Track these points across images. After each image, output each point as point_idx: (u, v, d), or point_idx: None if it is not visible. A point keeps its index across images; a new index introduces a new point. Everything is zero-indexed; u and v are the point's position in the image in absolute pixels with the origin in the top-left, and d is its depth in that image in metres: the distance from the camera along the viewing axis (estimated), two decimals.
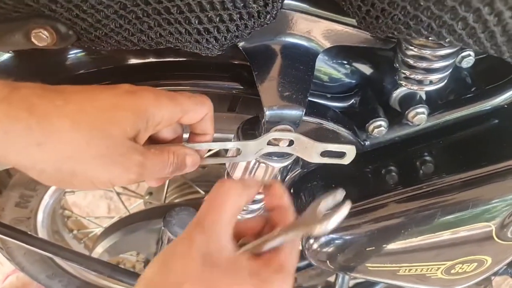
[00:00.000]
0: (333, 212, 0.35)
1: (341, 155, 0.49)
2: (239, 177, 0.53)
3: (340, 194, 0.38)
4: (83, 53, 0.57)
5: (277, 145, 0.48)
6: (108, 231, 0.80)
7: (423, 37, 0.39)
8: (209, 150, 0.67)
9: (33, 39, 0.43)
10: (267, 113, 0.48)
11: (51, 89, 0.35)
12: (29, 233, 0.72)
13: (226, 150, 0.51)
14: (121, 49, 0.55)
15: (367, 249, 0.56)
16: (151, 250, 0.81)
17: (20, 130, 0.32)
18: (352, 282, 0.87)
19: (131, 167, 0.36)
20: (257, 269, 0.34)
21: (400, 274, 0.58)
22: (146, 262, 0.88)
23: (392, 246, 0.55)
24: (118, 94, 0.37)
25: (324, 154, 0.49)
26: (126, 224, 0.79)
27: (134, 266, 1.06)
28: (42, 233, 0.84)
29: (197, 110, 0.41)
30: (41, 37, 0.43)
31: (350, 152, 0.49)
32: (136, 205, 1.08)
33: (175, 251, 0.34)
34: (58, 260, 0.93)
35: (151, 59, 0.58)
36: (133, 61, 0.58)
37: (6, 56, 0.52)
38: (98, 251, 0.80)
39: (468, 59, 0.53)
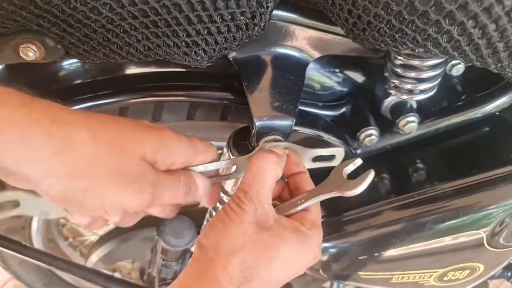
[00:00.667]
0: (362, 177, 0.41)
1: (331, 158, 0.50)
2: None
3: (358, 161, 0.43)
4: (77, 64, 0.57)
5: None
6: (103, 240, 0.80)
7: (409, 49, 0.39)
8: None
9: (21, 54, 0.43)
10: (257, 124, 0.48)
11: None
12: (23, 243, 0.72)
13: None
14: (105, 62, 0.56)
15: (360, 257, 0.56)
16: (146, 258, 0.81)
17: (39, 136, 0.31)
18: None
19: (145, 187, 0.36)
20: (297, 227, 0.40)
21: (393, 282, 0.58)
22: (142, 270, 0.88)
23: (384, 254, 0.55)
24: (140, 123, 0.38)
25: (315, 159, 0.49)
26: (121, 232, 0.79)
27: (130, 273, 1.06)
28: (37, 242, 0.84)
29: (208, 153, 0.43)
30: (29, 52, 0.43)
31: (339, 155, 0.49)
32: None
33: (232, 220, 0.39)
34: (53, 268, 0.93)
35: (144, 70, 0.59)
36: (126, 71, 0.59)
37: None
38: (93, 260, 0.80)
39: (458, 67, 0.54)
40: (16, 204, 0.43)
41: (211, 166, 0.44)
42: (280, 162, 0.43)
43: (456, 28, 0.35)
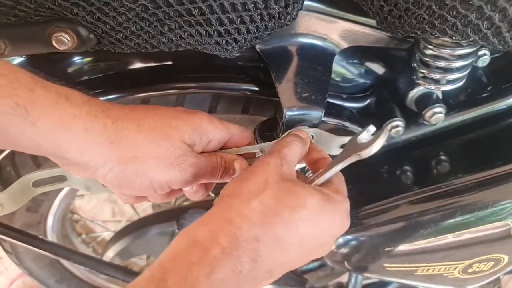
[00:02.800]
0: (376, 135, 0.40)
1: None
2: None
3: (372, 128, 0.42)
4: (88, 59, 0.57)
5: None
6: (119, 235, 0.79)
7: (447, 36, 0.39)
8: None
9: (54, 43, 0.43)
10: (287, 114, 0.48)
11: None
12: (41, 237, 0.72)
13: None
14: (129, 54, 0.56)
15: (386, 249, 0.56)
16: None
17: (98, 128, 0.36)
18: (363, 282, 0.86)
19: (186, 168, 0.40)
20: (320, 188, 0.39)
21: (418, 274, 0.58)
22: None
23: (411, 246, 0.55)
24: (176, 110, 0.42)
25: (343, 146, 0.49)
26: (138, 227, 0.78)
27: (141, 270, 1.06)
28: (51, 238, 0.84)
29: (242, 136, 0.45)
30: (62, 41, 0.42)
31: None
32: (144, 208, 1.08)
33: (255, 170, 0.38)
34: (67, 264, 0.93)
35: (163, 62, 0.58)
36: (143, 64, 0.58)
37: None
38: (109, 255, 0.80)
39: (484, 58, 0.53)
40: (62, 179, 0.45)
41: (236, 150, 0.45)
42: (305, 142, 0.44)
43: (497, 14, 0.35)
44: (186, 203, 0.90)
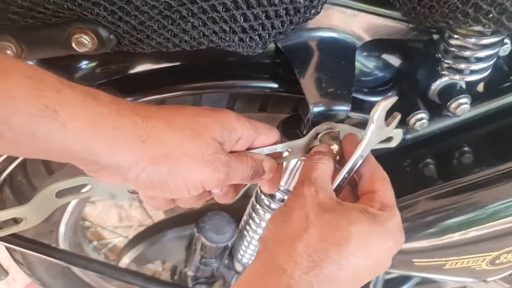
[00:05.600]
0: (388, 120, 0.41)
1: (389, 140, 0.49)
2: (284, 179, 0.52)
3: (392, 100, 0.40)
4: (98, 62, 0.55)
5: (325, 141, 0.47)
6: (134, 241, 0.78)
7: (480, 25, 0.38)
8: None
9: (73, 45, 0.41)
10: (314, 110, 0.47)
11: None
12: (54, 246, 0.70)
13: None
14: (142, 55, 0.54)
15: (415, 245, 0.55)
16: (180, 258, 0.79)
17: (127, 126, 0.34)
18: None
19: (219, 166, 0.38)
20: (363, 208, 0.38)
21: (446, 268, 0.57)
22: (173, 270, 0.86)
23: (441, 240, 0.54)
24: (203, 109, 0.41)
25: None
26: (153, 232, 0.77)
27: (155, 275, 1.04)
28: (64, 246, 0.82)
29: (269, 134, 0.44)
30: (82, 42, 0.41)
31: (397, 136, 0.48)
32: (153, 214, 1.06)
33: (292, 207, 0.38)
34: (78, 272, 0.91)
35: (178, 62, 0.57)
36: (157, 65, 0.57)
37: None
38: (126, 261, 0.78)
39: (505, 48, 0.53)
40: (86, 187, 0.44)
41: (267, 150, 0.44)
42: (329, 156, 0.43)
43: None
44: (199, 206, 0.88)
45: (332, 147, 0.44)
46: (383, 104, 0.40)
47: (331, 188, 0.40)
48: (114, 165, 0.35)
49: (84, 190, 0.45)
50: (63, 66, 0.53)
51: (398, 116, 0.43)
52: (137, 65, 0.56)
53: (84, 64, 0.55)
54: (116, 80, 0.56)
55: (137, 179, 0.36)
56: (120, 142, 0.34)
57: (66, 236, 0.80)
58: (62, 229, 0.79)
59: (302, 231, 0.36)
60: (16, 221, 0.48)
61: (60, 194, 0.43)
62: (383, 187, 0.41)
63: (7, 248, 0.77)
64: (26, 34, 0.41)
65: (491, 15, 0.37)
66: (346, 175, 0.42)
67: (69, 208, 0.75)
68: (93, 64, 0.55)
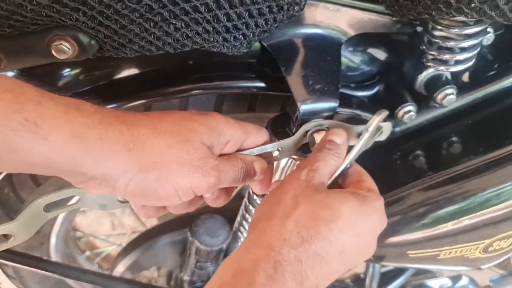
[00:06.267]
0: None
1: (378, 133, 0.49)
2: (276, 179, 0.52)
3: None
4: (81, 69, 0.54)
5: (314, 140, 0.47)
6: (128, 249, 0.77)
7: (463, 15, 0.39)
8: None
9: (53, 52, 0.40)
10: (302, 107, 0.47)
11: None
12: (46, 258, 0.69)
13: None
14: (125, 60, 0.53)
15: (409, 237, 0.55)
16: (175, 263, 0.78)
17: (113, 135, 0.34)
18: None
19: (209, 171, 0.38)
20: (354, 191, 0.39)
21: (441, 258, 0.57)
22: (169, 276, 0.85)
23: (434, 231, 0.54)
24: (190, 113, 0.40)
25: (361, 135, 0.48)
26: (147, 239, 0.76)
27: (150, 281, 1.03)
28: (56, 258, 0.81)
29: (259, 134, 0.44)
30: (63, 50, 0.40)
31: (386, 129, 0.49)
32: (146, 220, 1.05)
33: (285, 188, 0.39)
34: (72, 283, 0.90)
35: (162, 66, 0.56)
36: (141, 69, 0.56)
37: None
38: (120, 270, 0.77)
39: (489, 36, 0.53)
40: (74, 199, 0.43)
41: (256, 151, 0.44)
42: (342, 151, 0.42)
43: None
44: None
45: None
46: (378, 118, 0.43)
47: (326, 180, 0.40)
48: (101, 176, 0.34)
49: (72, 202, 0.44)
50: (44, 74, 0.52)
51: (381, 129, 0.47)
52: (121, 70, 0.55)
53: (66, 71, 0.53)
54: (101, 86, 0.55)
55: (126, 189, 0.36)
56: (106, 152, 0.34)
57: (58, 247, 0.79)
58: (53, 240, 0.77)
59: (292, 209, 0.36)
60: (6, 236, 0.47)
61: (48, 207, 0.42)
62: (368, 178, 0.42)
63: None
64: (4, 43, 0.40)
65: (473, 4, 0.37)
66: (335, 178, 0.42)
67: (59, 219, 0.74)
68: (76, 71, 0.54)
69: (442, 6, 0.38)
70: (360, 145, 0.42)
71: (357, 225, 0.37)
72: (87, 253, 0.95)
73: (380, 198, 0.40)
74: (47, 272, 0.65)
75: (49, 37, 0.39)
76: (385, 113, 0.44)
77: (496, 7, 0.37)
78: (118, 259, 0.78)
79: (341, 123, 0.47)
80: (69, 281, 0.87)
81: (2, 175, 0.61)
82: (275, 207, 0.38)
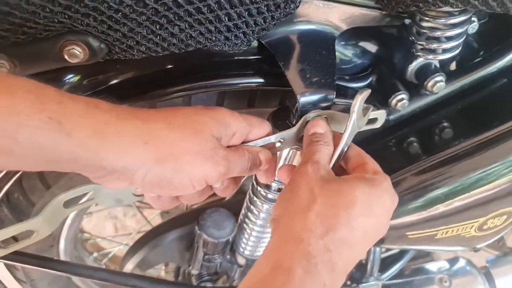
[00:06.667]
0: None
1: (374, 121, 0.52)
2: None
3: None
4: (85, 73, 0.56)
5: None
6: (136, 246, 0.79)
7: (448, 5, 0.41)
8: None
9: (66, 57, 0.42)
10: (301, 100, 0.49)
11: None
12: (57, 259, 0.71)
13: None
14: (128, 62, 0.55)
15: (408, 218, 0.58)
16: (182, 258, 0.80)
17: (130, 129, 0.36)
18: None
19: (219, 160, 0.40)
20: (361, 175, 0.41)
21: (438, 237, 0.60)
22: (176, 271, 0.87)
23: (431, 211, 0.57)
24: (197, 108, 0.43)
25: None
26: (153, 236, 0.78)
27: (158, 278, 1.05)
28: (65, 259, 0.82)
29: (262, 126, 0.46)
30: (75, 54, 0.42)
31: (381, 117, 0.51)
32: (151, 218, 1.07)
33: (297, 184, 0.41)
34: (80, 284, 0.91)
35: (164, 67, 0.58)
36: (144, 71, 0.58)
37: None
38: (129, 268, 0.79)
39: (473, 25, 0.56)
40: (92, 195, 0.45)
41: (261, 142, 0.46)
42: (328, 137, 0.45)
43: None
44: (195, 206, 0.90)
45: None
46: (360, 97, 0.45)
47: (329, 168, 0.43)
48: (121, 168, 0.37)
49: (89, 197, 0.46)
50: (49, 80, 0.53)
51: (370, 108, 0.49)
52: (124, 73, 0.57)
53: (70, 76, 0.55)
54: (104, 89, 0.57)
55: (144, 180, 0.38)
56: (125, 145, 0.36)
57: (67, 249, 0.81)
58: (62, 243, 0.79)
59: (311, 202, 0.39)
60: (15, 239, 0.49)
61: (67, 204, 0.44)
62: (370, 160, 0.44)
63: (8, 267, 0.77)
64: (18, 50, 0.42)
65: None
66: (335, 161, 0.45)
67: (68, 221, 0.76)
68: (80, 75, 0.56)
69: None
70: (351, 126, 0.45)
71: (373, 207, 0.39)
72: (95, 254, 0.97)
73: (387, 178, 0.42)
74: (60, 272, 0.67)
75: (61, 42, 0.42)
76: (367, 91, 0.45)
77: None
78: (127, 258, 0.80)
79: (339, 112, 0.50)
80: (78, 283, 0.89)
81: (12, 181, 0.62)
82: (292, 203, 0.40)
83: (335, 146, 0.45)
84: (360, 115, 0.46)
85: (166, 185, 0.39)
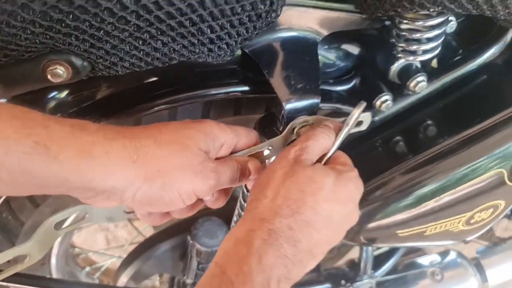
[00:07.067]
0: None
1: (359, 124, 0.52)
2: None
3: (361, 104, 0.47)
4: (68, 91, 0.56)
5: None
6: (129, 259, 0.78)
7: (426, 9, 0.42)
8: None
9: (49, 77, 0.42)
10: (287, 107, 0.50)
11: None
12: (50, 277, 0.70)
13: None
14: (111, 78, 0.55)
15: (397, 217, 0.59)
16: (176, 268, 0.80)
17: (118, 149, 0.36)
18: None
19: (208, 173, 0.41)
20: (331, 167, 0.43)
21: (427, 234, 0.62)
22: (171, 281, 0.87)
23: (419, 209, 0.58)
24: (184, 122, 0.43)
25: None
26: (146, 248, 0.78)
27: None
28: (57, 276, 0.82)
29: (249, 136, 0.47)
30: (58, 74, 0.42)
31: (366, 119, 0.52)
32: (143, 228, 1.06)
33: (273, 167, 0.42)
34: None
35: (148, 80, 0.58)
36: (128, 86, 0.58)
37: None
38: (123, 281, 0.78)
39: (451, 24, 0.58)
40: (83, 216, 0.45)
41: (249, 151, 0.47)
42: (332, 134, 0.46)
43: None
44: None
45: None
46: (358, 111, 0.47)
47: (315, 158, 0.44)
48: (110, 188, 0.37)
49: (80, 217, 0.46)
50: (33, 99, 0.53)
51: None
52: (108, 88, 0.57)
53: (55, 94, 0.55)
54: (89, 105, 0.57)
55: (134, 198, 0.38)
56: (113, 165, 0.36)
57: (59, 266, 0.80)
58: (53, 260, 0.78)
59: (280, 186, 0.40)
60: (9, 261, 0.48)
61: (58, 225, 0.44)
62: (342, 154, 0.47)
63: None
64: (1, 72, 0.42)
65: (433, 0, 0.41)
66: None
67: (58, 239, 0.75)
68: (64, 93, 0.56)
69: (406, 3, 0.42)
70: (343, 136, 0.46)
71: (338, 193, 0.41)
72: (87, 269, 0.96)
73: (354, 170, 0.44)
74: None
75: (43, 63, 0.41)
76: (363, 105, 0.47)
77: (454, 0, 0.41)
78: (120, 270, 0.80)
79: (325, 117, 0.51)
80: None
81: (1, 200, 0.62)
82: (265, 187, 0.41)
83: None
84: (352, 126, 0.47)
85: (156, 202, 0.39)
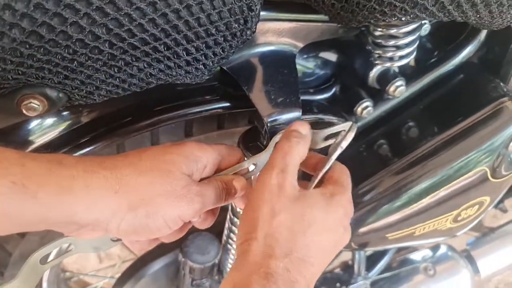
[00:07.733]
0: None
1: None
2: None
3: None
4: (49, 119, 0.54)
5: None
6: (122, 280, 0.78)
7: (398, 19, 0.43)
8: None
9: (24, 111, 0.41)
10: (268, 121, 0.50)
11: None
12: None
13: None
14: (90, 104, 0.54)
15: (386, 221, 0.59)
16: (173, 285, 0.79)
17: (99, 182, 0.36)
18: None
19: (193, 197, 0.40)
20: (321, 192, 0.42)
21: (417, 234, 0.62)
22: None
23: (407, 211, 0.59)
24: (165, 146, 0.42)
25: (327, 138, 0.52)
26: (139, 267, 0.77)
27: None
28: None
29: (232, 154, 0.46)
30: (33, 107, 0.41)
31: (349, 135, 0.52)
32: None
33: (259, 203, 0.40)
34: None
35: (127, 104, 0.57)
36: (108, 110, 0.57)
37: None
38: None
39: (425, 27, 0.58)
40: (68, 247, 0.44)
41: (233, 170, 0.46)
42: (307, 138, 0.45)
43: None
44: None
45: None
46: (351, 135, 0.46)
47: (295, 181, 0.42)
48: (93, 221, 0.36)
49: (66, 249, 0.45)
50: (11, 130, 0.52)
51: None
52: (89, 114, 0.57)
53: (34, 123, 0.54)
54: (70, 132, 0.56)
55: (119, 228, 0.37)
56: (95, 198, 0.36)
57: None
58: (44, 286, 0.77)
59: (270, 226, 0.39)
60: None
61: (43, 260, 0.43)
62: (339, 169, 0.45)
63: None
64: None
65: (405, 10, 0.41)
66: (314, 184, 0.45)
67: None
68: (44, 122, 0.55)
69: (378, 15, 0.42)
70: (336, 155, 0.46)
71: (328, 223, 0.40)
72: None
73: (345, 192, 0.43)
74: None
75: (18, 97, 0.41)
76: (354, 126, 0.46)
77: (425, 9, 0.41)
78: None
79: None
80: None
81: None
82: (254, 228, 0.40)
83: (310, 166, 0.46)
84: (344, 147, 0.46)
85: (141, 230, 0.39)
